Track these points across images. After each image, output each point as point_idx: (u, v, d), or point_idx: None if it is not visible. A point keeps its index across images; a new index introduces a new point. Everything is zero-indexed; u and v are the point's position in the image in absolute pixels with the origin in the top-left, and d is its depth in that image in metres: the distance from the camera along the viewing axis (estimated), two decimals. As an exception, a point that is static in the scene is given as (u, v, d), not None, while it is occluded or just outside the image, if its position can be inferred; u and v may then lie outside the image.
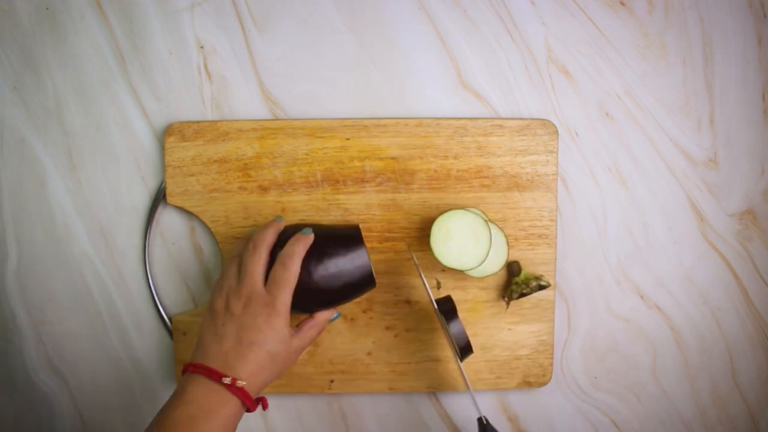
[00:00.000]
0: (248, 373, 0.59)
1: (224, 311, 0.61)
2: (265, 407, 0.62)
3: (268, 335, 0.60)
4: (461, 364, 0.69)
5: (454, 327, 0.65)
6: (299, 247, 0.63)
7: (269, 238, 0.64)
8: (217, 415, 0.57)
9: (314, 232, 0.66)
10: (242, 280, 0.62)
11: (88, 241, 0.74)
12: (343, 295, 0.66)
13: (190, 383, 0.58)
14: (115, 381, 0.75)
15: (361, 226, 0.72)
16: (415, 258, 0.71)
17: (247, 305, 0.61)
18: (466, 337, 0.66)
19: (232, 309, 0.61)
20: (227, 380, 0.57)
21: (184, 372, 0.60)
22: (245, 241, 0.66)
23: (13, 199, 0.73)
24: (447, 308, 0.67)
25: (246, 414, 0.60)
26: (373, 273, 0.66)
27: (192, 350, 0.62)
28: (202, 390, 0.57)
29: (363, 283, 0.66)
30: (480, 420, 0.67)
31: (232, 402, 0.58)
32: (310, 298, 0.65)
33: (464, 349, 0.66)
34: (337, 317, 0.67)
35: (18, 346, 0.74)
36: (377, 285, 0.68)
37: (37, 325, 0.74)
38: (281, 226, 0.66)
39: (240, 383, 0.58)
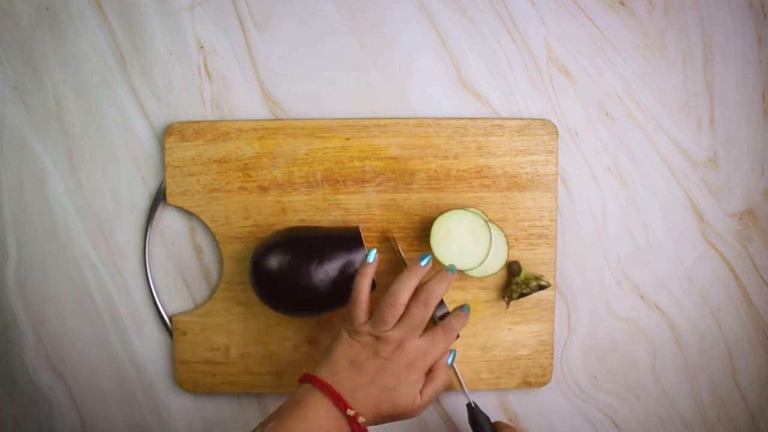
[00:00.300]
0: (368, 411, 0.59)
1: (373, 346, 0.61)
2: None
3: (402, 389, 0.60)
4: (459, 375, 0.69)
5: (439, 309, 0.66)
6: (443, 287, 0.63)
7: (442, 293, 0.63)
8: None
9: (314, 234, 0.66)
10: (403, 326, 0.61)
11: (88, 241, 0.74)
12: (344, 298, 0.66)
13: (313, 400, 0.58)
14: (115, 381, 0.75)
15: (360, 226, 0.72)
16: (393, 237, 0.71)
17: (397, 351, 0.61)
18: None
19: (380, 351, 0.60)
20: (351, 412, 0.57)
21: (305, 380, 0.60)
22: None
23: (13, 199, 0.73)
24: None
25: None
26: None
27: (316, 360, 0.63)
28: (326, 412, 0.58)
29: None
30: (469, 405, 0.67)
31: None
32: (311, 301, 0.65)
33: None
34: (453, 358, 0.66)
35: (18, 346, 0.74)
36: (377, 287, 0.68)
37: (37, 325, 0.74)
38: (424, 271, 0.64)
39: (361, 420, 0.58)
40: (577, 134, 0.76)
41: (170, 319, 0.74)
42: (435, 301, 0.62)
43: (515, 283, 0.72)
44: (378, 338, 0.61)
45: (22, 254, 0.74)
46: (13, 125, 0.73)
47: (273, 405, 0.75)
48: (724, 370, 0.79)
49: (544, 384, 0.75)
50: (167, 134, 0.72)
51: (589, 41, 0.75)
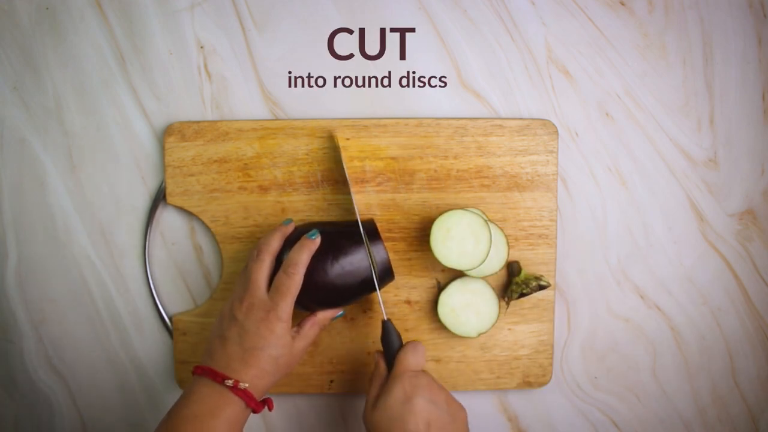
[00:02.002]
0: (251, 376, 0.60)
1: (229, 316, 0.63)
2: (270, 408, 0.63)
3: (269, 341, 0.61)
4: (378, 292, 0.67)
5: (376, 250, 0.66)
6: (303, 254, 0.63)
7: (274, 244, 0.65)
8: (221, 413, 0.59)
9: (327, 230, 0.66)
10: (246, 287, 0.63)
11: (88, 241, 0.74)
12: (361, 291, 0.66)
13: (196, 384, 0.60)
14: (115, 381, 0.75)
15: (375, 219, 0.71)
16: (353, 196, 0.71)
17: (249, 311, 0.62)
18: (388, 261, 0.66)
19: (235, 314, 0.62)
20: (230, 382, 0.59)
21: (193, 374, 0.61)
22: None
23: (13, 199, 0.73)
24: (370, 229, 0.67)
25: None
26: (391, 265, 0.66)
27: (200, 352, 0.64)
28: (207, 390, 0.59)
29: (381, 276, 0.66)
30: (384, 322, 0.66)
31: (236, 402, 0.59)
32: (328, 296, 0.66)
33: (384, 273, 0.66)
34: (340, 315, 0.68)
35: (18, 346, 0.74)
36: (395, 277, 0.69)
37: (37, 325, 0.74)
38: (288, 230, 0.67)
39: (242, 385, 0.59)
40: (577, 134, 0.76)
41: (170, 319, 0.74)
42: (296, 270, 0.62)
43: (515, 283, 0.72)
44: (233, 304, 0.63)
45: (22, 254, 0.74)
46: (13, 125, 0.73)
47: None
48: (724, 370, 0.79)
49: (544, 384, 0.75)
50: (167, 134, 0.72)
51: (589, 41, 0.75)
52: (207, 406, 0.59)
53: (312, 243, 0.64)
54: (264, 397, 0.62)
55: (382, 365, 0.65)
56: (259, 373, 0.60)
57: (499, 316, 0.72)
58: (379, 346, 0.66)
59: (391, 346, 0.65)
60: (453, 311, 0.71)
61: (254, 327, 0.61)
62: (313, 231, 0.65)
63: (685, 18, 0.75)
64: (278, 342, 0.61)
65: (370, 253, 0.66)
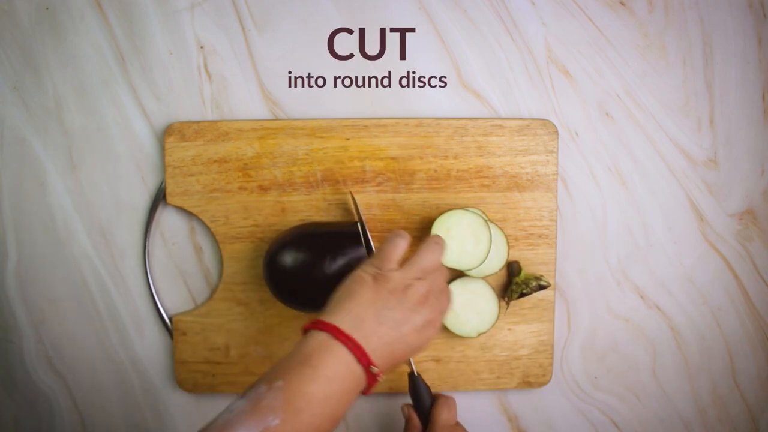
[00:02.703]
0: (385, 362, 0.54)
1: (401, 295, 0.55)
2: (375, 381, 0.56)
3: (421, 343, 0.56)
4: None
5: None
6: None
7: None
8: (351, 397, 0.52)
9: (322, 230, 0.66)
10: (428, 280, 0.58)
11: (88, 241, 0.74)
12: None
13: (331, 356, 0.51)
14: (115, 381, 0.75)
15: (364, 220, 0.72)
16: (354, 199, 0.71)
17: (422, 305, 0.56)
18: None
19: (409, 298, 0.55)
20: (375, 369, 0.52)
21: (319, 328, 0.53)
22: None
23: (13, 199, 0.73)
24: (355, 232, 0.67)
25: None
26: None
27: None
28: (345, 371, 0.51)
29: None
30: (411, 374, 0.67)
31: (362, 387, 0.53)
32: (325, 295, 0.65)
33: None
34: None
35: (18, 346, 0.74)
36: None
37: (37, 325, 0.74)
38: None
39: (382, 377, 0.53)
40: (577, 134, 0.76)
41: (170, 319, 0.74)
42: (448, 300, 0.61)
43: (515, 283, 0.72)
44: (408, 286, 0.56)
45: (22, 254, 0.74)
46: (13, 125, 0.73)
47: (273, 405, 0.75)
48: (724, 370, 0.79)
49: (544, 384, 0.75)
50: (167, 134, 0.72)
51: (589, 41, 0.75)
52: (343, 388, 0.51)
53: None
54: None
55: (416, 420, 0.66)
56: (390, 365, 0.55)
57: (499, 316, 0.72)
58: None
59: (422, 401, 0.66)
60: (453, 311, 0.71)
61: (419, 323, 0.56)
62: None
63: (685, 18, 0.75)
64: (422, 338, 0.57)
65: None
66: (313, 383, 0.49)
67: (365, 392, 0.54)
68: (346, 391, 0.51)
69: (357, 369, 0.52)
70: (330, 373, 0.50)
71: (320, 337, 0.52)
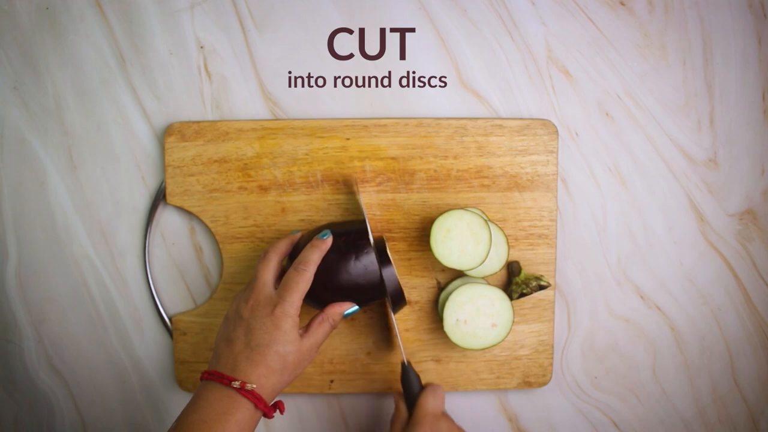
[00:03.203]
0: (257, 375, 0.58)
1: (234, 317, 0.62)
2: (282, 411, 0.61)
3: (275, 336, 0.60)
4: (393, 316, 0.67)
5: (386, 272, 0.65)
6: (315, 254, 0.63)
7: (282, 247, 0.65)
8: (231, 418, 0.57)
9: (346, 230, 0.66)
10: (252, 285, 0.63)
11: (88, 241, 0.74)
12: (379, 292, 0.66)
13: (204, 389, 0.59)
14: (115, 381, 0.75)
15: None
16: (360, 199, 0.71)
17: (254, 309, 0.61)
18: (399, 286, 0.65)
19: (241, 313, 0.61)
20: (236, 384, 0.57)
21: (201, 380, 0.60)
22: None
23: (13, 199, 0.73)
24: (381, 247, 0.67)
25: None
26: (403, 292, 0.67)
27: (200, 352, 0.62)
28: (215, 395, 0.58)
29: (395, 301, 0.66)
30: (402, 364, 0.67)
31: (245, 405, 0.57)
32: (349, 295, 0.65)
33: (396, 298, 0.66)
34: (354, 311, 0.65)
35: (18, 346, 0.74)
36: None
37: (37, 325, 0.74)
38: (296, 238, 0.67)
39: (249, 386, 0.58)
40: (577, 134, 0.76)
41: (170, 319, 0.74)
42: (306, 267, 0.62)
43: (515, 283, 0.72)
44: (238, 304, 0.62)
45: (22, 254, 0.74)
46: (13, 125, 0.73)
47: (273, 405, 0.75)
48: (724, 370, 0.79)
49: (544, 384, 0.75)
50: (167, 134, 0.72)
51: (589, 41, 0.75)
52: (216, 410, 0.57)
53: (323, 243, 0.64)
54: (275, 399, 0.61)
55: (403, 408, 0.67)
56: (266, 372, 0.59)
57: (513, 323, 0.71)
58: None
59: (411, 389, 0.67)
60: (471, 333, 0.70)
61: (260, 323, 0.60)
62: (325, 231, 0.65)
63: (685, 18, 0.75)
64: (285, 338, 0.60)
65: (381, 277, 0.65)
66: (193, 415, 0.57)
67: (266, 411, 0.59)
68: (224, 413, 0.57)
69: (224, 390, 0.58)
70: (203, 403, 0.58)
71: (201, 383, 0.60)
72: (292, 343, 0.60)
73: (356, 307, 0.65)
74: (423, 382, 0.74)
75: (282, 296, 0.61)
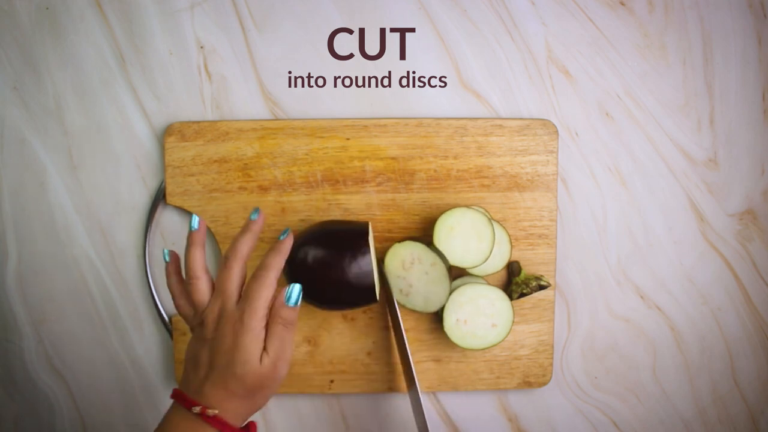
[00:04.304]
0: (218, 399, 0.54)
1: (200, 336, 0.57)
2: None
3: (234, 357, 0.54)
4: (405, 337, 0.65)
5: (363, 260, 0.64)
6: (276, 259, 0.57)
7: (243, 249, 0.58)
8: None
9: (340, 228, 0.65)
10: (214, 299, 0.57)
11: (88, 241, 0.74)
12: (374, 294, 0.66)
13: (172, 411, 0.55)
14: (115, 381, 0.75)
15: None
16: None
17: (217, 326, 0.56)
18: (372, 277, 0.64)
19: (204, 332, 0.56)
20: (197, 409, 0.53)
21: (170, 397, 0.57)
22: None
23: (13, 199, 0.73)
24: (361, 231, 0.66)
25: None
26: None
27: None
28: (179, 418, 0.54)
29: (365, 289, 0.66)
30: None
31: (209, 431, 0.53)
32: (347, 295, 0.65)
33: (369, 294, 0.65)
34: (299, 291, 0.57)
35: (18, 346, 0.74)
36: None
37: (37, 325, 0.74)
38: (257, 226, 0.60)
39: (211, 412, 0.53)
40: (577, 134, 0.76)
41: (170, 319, 0.74)
42: (267, 274, 0.56)
43: (515, 283, 0.72)
44: (200, 323, 0.57)
45: (22, 254, 0.74)
46: (13, 125, 0.73)
47: (273, 405, 0.75)
48: (724, 370, 0.79)
49: (544, 384, 0.75)
50: (167, 134, 0.72)
51: (589, 41, 0.75)
52: None
53: (283, 244, 0.58)
54: (246, 421, 0.56)
55: None
56: (227, 395, 0.54)
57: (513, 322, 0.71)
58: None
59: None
60: (471, 333, 0.70)
61: (221, 343, 0.55)
62: (285, 230, 0.60)
63: (685, 18, 0.75)
64: (243, 357, 0.54)
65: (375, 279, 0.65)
66: None
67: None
68: None
69: (187, 414, 0.54)
70: (167, 427, 0.54)
71: (172, 404, 0.56)
72: (249, 363, 0.54)
73: (297, 285, 0.57)
74: (422, 383, 0.74)
75: (243, 309, 0.55)
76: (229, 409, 0.54)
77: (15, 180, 0.73)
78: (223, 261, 0.58)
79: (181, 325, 0.73)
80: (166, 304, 0.74)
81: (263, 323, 0.55)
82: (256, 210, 0.60)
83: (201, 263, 0.59)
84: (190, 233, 0.59)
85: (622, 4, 0.75)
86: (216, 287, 0.57)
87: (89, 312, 0.74)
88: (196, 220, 0.59)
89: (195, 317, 0.58)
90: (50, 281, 0.74)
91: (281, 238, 0.59)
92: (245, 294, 0.56)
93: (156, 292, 0.74)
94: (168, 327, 0.74)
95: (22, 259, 0.74)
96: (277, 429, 0.76)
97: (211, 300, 0.57)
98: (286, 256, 0.58)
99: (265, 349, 0.55)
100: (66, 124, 0.73)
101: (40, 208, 0.73)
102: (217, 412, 0.53)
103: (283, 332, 0.56)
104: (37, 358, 0.75)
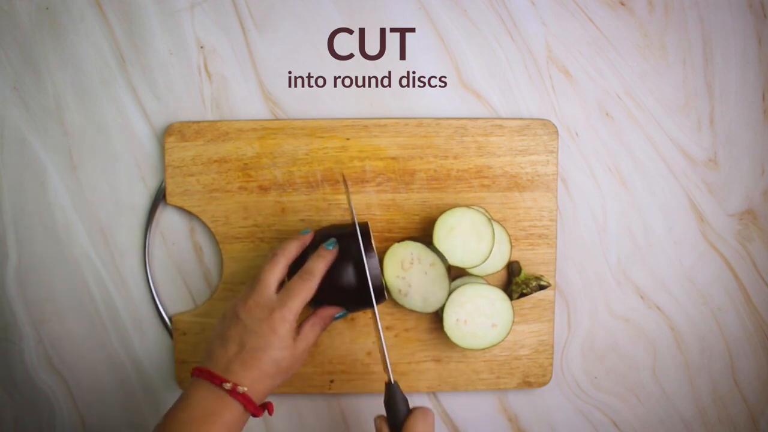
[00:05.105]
0: (250, 379, 0.58)
1: (231, 315, 0.61)
2: (270, 412, 0.62)
3: (271, 341, 0.59)
4: (381, 330, 0.64)
5: (371, 261, 0.64)
6: (321, 264, 0.63)
7: (292, 250, 0.64)
8: (219, 418, 0.57)
9: (345, 232, 0.65)
10: (254, 287, 0.62)
11: (88, 240, 0.74)
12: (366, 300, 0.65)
13: (194, 387, 0.58)
14: (115, 381, 0.75)
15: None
16: (347, 184, 0.71)
17: (252, 310, 0.60)
18: (380, 277, 0.64)
19: (238, 313, 0.61)
20: (228, 386, 0.57)
21: (192, 376, 0.60)
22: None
23: (13, 199, 0.73)
24: (365, 232, 0.65)
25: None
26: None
27: (200, 352, 0.62)
28: (205, 393, 0.58)
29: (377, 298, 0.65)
30: (388, 384, 0.62)
31: (234, 406, 0.58)
32: (362, 298, 0.64)
33: (378, 292, 0.64)
34: (343, 315, 0.66)
35: (18, 346, 0.74)
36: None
37: (37, 325, 0.74)
38: (307, 240, 0.66)
39: (241, 389, 0.57)
40: (577, 134, 0.76)
41: (170, 319, 0.74)
42: (312, 278, 0.62)
43: (515, 283, 0.72)
44: (236, 303, 0.62)
45: (22, 254, 0.74)
46: (13, 125, 0.73)
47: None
48: (724, 370, 0.79)
49: (544, 384, 0.75)
50: (167, 134, 0.72)
51: (589, 41, 0.75)
52: (204, 410, 0.57)
53: (330, 253, 0.64)
54: (265, 400, 0.61)
55: None
56: (259, 376, 0.59)
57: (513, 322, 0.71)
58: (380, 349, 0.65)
59: (397, 412, 0.61)
60: (471, 333, 0.70)
61: (256, 326, 0.59)
62: (331, 241, 0.64)
63: (685, 18, 0.75)
64: (280, 343, 0.59)
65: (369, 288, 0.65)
66: (181, 412, 0.58)
67: (255, 412, 0.59)
68: (213, 413, 0.57)
69: (214, 390, 0.58)
70: (192, 401, 0.58)
71: (191, 380, 0.60)
72: (287, 348, 0.60)
73: (345, 312, 0.66)
74: (422, 383, 0.74)
75: (283, 301, 0.60)
76: (257, 389, 0.59)
77: (15, 180, 0.73)
78: (270, 255, 0.64)
79: (181, 325, 0.73)
80: (166, 304, 0.75)
81: (297, 318, 0.61)
82: (308, 230, 0.67)
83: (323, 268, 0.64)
84: (301, 235, 0.66)
85: (622, 4, 0.75)
86: (257, 275, 0.63)
87: (89, 312, 0.74)
88: (332, 244, 0.65)
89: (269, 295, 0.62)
90: (50, 281, 0.74)
91: (329, 247, 0.64)
92: (289, 289, 0.61)
93: (156, 292, 0.74)
94: (168, 327, 0.74)
95: (22, 259, 0.74)
96: (277, 429, 0.76)
97: (250, 283, 0.63)
98: (330, 263, 0.64)
99: (300, 336, 0.62)
100: (66, 124, 0.73)
101: (40, 208, 0.73)
102: (246, 389, 0.58)
103: (320, 331, 0.64)
104: (37, 358, 0.75)
